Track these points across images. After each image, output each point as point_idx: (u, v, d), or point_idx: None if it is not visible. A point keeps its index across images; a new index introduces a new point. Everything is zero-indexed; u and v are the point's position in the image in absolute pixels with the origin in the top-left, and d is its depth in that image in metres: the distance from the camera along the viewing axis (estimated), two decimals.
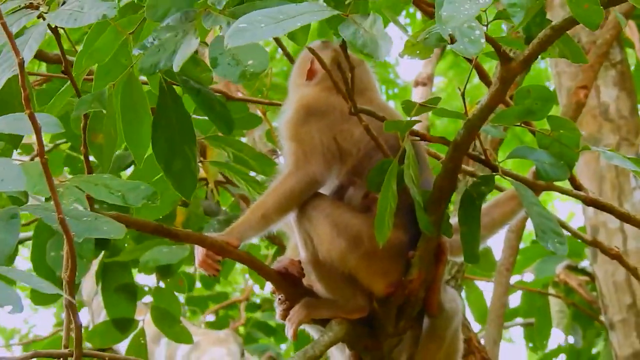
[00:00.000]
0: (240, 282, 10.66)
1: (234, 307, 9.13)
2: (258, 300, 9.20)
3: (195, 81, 3.37)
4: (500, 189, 3.63)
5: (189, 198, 3.44)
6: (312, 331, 3.55)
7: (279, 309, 3.48)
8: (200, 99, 3.38)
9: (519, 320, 8.35)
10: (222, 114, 3.40)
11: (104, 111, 3.28)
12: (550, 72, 7.08)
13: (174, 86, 3.39)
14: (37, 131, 2.69)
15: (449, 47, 2.83)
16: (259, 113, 4.98)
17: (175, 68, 2.90)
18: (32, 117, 2.69)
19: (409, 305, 3.40)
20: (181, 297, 5.19)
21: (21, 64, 2.69)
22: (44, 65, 4.29)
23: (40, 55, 4.03)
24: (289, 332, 3.40)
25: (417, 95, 8.45)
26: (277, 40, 4.62)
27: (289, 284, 3.43)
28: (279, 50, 4.84)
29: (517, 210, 3.50)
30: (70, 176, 5.51)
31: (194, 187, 3.40)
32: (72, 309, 2.99)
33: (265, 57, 2.90)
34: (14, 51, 2.70)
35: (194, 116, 3.47)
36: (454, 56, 9.17)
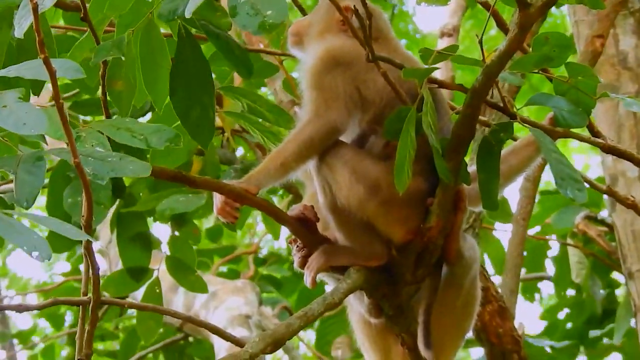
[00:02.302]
0: (245, 236, 10.69)
1: (240, 260, 9.16)
2: (264, 252, 9.21)
3: (214, 26, 3.35)
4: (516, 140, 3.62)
5: (206, 147, 3.43)
6: (328, 280, 3.55)
7: (297, 257, 3.47)
8: (220, 43, 3.36)
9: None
10: (242, 58, 3.38)
11: (123, 58, 3.28)
12: (569, 21, 7.02)
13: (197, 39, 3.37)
14: (52, 75, 2.69)
15: None
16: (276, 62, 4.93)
17: (187, 14, 2.89)
18: (46, 61, 2.70)
19: (427, 252, 3.40)
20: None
21: (35, 9, 2.69)
22: (60, 12, 4.25)
23: (57, 3, 4.01)
24: (307, 279, 3.40)
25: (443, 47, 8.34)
26: None
27: (307, 230, 3.43)
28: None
29: (534, 156, 3.49)
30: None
31: (212, 136, 3.39)
32: (90, 252, 3.01)
33: (284, 6, 2.87)
34: None
35: None
36: (471, 8, 9.07)
